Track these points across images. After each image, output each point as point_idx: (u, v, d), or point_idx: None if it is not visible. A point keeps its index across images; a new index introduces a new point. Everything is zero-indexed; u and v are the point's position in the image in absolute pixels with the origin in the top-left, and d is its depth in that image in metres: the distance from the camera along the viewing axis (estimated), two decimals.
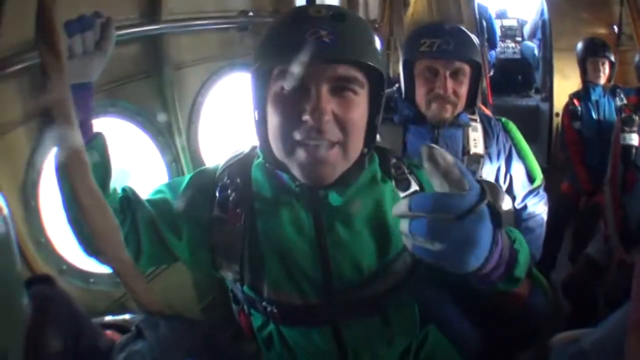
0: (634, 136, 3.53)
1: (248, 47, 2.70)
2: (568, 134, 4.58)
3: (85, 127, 1.35)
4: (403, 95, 2.29)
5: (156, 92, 2.19)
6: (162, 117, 2.21)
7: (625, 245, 3.31)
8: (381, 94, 1.32)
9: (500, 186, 2.33)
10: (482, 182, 0.89)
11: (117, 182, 1.47)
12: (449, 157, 0.86)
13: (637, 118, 3.55)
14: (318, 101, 1.19)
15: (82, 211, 1.23)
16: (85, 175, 1.24)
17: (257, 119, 1.35)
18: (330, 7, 1.28)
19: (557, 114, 6.10)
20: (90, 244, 1.31)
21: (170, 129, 2.26)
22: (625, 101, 4.28)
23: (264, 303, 1.39)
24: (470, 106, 2.30)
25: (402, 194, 1.34)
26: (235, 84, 2.71)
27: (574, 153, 4.48)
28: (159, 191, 1.51)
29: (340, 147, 1.26)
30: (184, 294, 2.28)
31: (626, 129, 3.56)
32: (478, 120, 2.37)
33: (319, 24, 1.19)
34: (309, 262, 1.35)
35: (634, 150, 3.53)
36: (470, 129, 2.32)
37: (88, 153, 1.30)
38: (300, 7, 1.33)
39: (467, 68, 2.16)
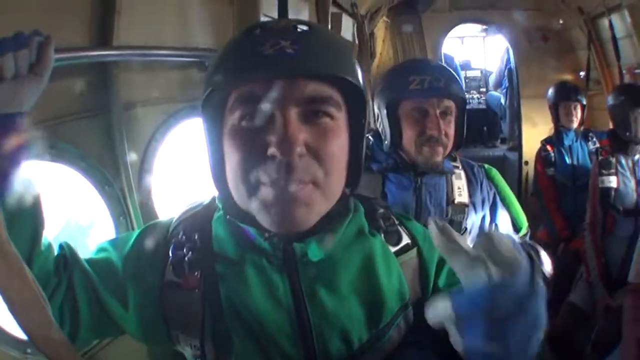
0: (612, 178, 3.61)
1: None
2: (542, 181, 4.55)
3: (11, 170, 1.08)
4: (388, 141, 2.10)
5: (103, 134, 1.96)
6: (109, 164, 1.97)
7: (609, 290, 3.39)
8: (362, 119, 1.10)
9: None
10: (525, 247, 0.75)
11: (69, 238, 1.22)
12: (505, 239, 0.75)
13: (613, 160, 3.59)
14: (286, 129, 0.95)
15: None
16: None
17: (212, 161, 1.12)
18: (292, 19, 1.08)
19: (527, 162, 6.16)
20: (10, 312, 1.01)
21: (119, 178, 2.01)
22: (598, 144, 4.24)
23: None
24: (457, 148, 2.14)
25: (392, 249, 1.16)
26: (195, 129, 2.48)
27: (549, 200, 4.46)
28: (101, 249, 1.25)
29: (317, 187, 1.02)
30: None
31: (604, 171, 3.64)
32: (460, 167, 2.23)
33: (280, 34, 0.98)
34: (286, 337, 1.09)
35: (612, 193, 3.61)
36: (453, 176, 2.17)
37: (11, 203, 1.04)
38: (258, 22, 1.11)
39: (453, 106, 2.03)
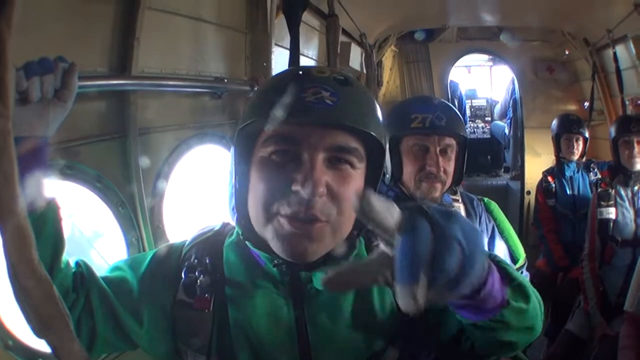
0: (611, 210, 3.64)
1: (221, 117, 2.60)
2: (542, 211, 4.60)
3: (34, 190, 1.13)
4: (389, 175, 2.16)
5: (119, 157, 2.02)
6: (124, 187, 2.03)
7: (606, 318, 3.41)
8: (379, 171, 1.19)
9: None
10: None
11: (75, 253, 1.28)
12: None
13: (612, 192, 3.63)
14: (312, 170, 1.04)
15: (23, 294, 1.00)
16: (28, 251, 0.99)
17: (236, 186, 1.19)
18: (334, 70, 1.16)
19: (529, 192, 6.18)
20: (35, 329, 1.05)
21: (133, 200, 2.06)
22: (599, 175, 4.32)
23: None
24: (456, 184, 2.20)
25: None
26: (205, 156, 2.56)
27: (548, 230, 4.51)
28: (117, 268, 1.31)
29: (330, 225, 1.09)
30: None
31: (603, 203, 3.68)
32: (460, 200, 2.29)
33: (322, 84, 1.07)
34: (288, 357, 1.17)
35: (611, 224, 3.64)
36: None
37: (36, 222, 1.08)
38: (301, 67, 1.20)
39: (454, 144, 2.08)
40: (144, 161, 2.09)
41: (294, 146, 1.06)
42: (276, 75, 1.22)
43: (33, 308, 1.00)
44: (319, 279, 1.13)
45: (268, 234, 1.10)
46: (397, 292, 0.73)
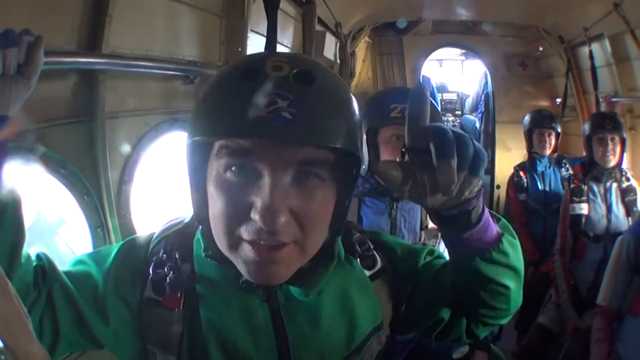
0: (584, 205, 3.70)
1: (193, 102, 2.52)
2: (513, 206, 4.64)
3: None
4: (366, 166, 2.11)
5: (86, 142, 1.91)
6: (90, 174, 1.92)
7: (577, 312, 3.50)
8: (354, 173, 1.05)
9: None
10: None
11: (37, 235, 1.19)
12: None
13: (585, 188, 3.70)
14: (272, 197, 0.91)
15: None
16: None
17: (195, 201, 1.07)
18: (294, 60, 0.97)
19: (498, 186, 6.24)
20: None
21: (99, 188, 1.95)
22: (571, 171, 4.38)
23: None
24: None
25: (367, 272, 1.19)
26: (176, 143, 2.47)
27: (520, 225, 4.51)
28: (80, 262, 1.20)
29: (297, 245, 0.99)
30: None
31: (575, 199, 3.73)
32: None
33: (278, 89, 0.90)
34: (265, 359, 1.10)
35: (583, 219, 3.71)
36: None
37: None
38: (255, 60, 1.02)
39: None
40: (112, 147, 1.99)
41: (251, 160, 0.93)
42: (222, 71, 1.04)
43: None
44: (297, 293, 1.08)
45: (233, 257, 1.01)
46: (437, 170, 0.86)
